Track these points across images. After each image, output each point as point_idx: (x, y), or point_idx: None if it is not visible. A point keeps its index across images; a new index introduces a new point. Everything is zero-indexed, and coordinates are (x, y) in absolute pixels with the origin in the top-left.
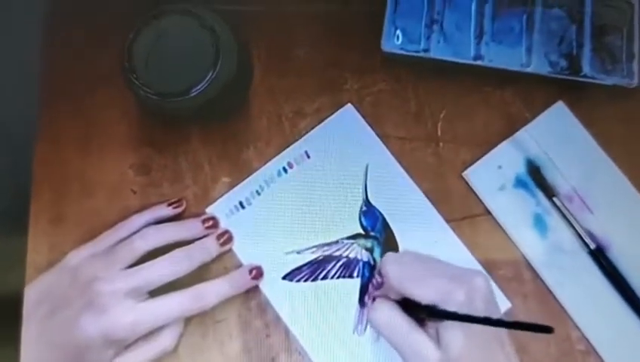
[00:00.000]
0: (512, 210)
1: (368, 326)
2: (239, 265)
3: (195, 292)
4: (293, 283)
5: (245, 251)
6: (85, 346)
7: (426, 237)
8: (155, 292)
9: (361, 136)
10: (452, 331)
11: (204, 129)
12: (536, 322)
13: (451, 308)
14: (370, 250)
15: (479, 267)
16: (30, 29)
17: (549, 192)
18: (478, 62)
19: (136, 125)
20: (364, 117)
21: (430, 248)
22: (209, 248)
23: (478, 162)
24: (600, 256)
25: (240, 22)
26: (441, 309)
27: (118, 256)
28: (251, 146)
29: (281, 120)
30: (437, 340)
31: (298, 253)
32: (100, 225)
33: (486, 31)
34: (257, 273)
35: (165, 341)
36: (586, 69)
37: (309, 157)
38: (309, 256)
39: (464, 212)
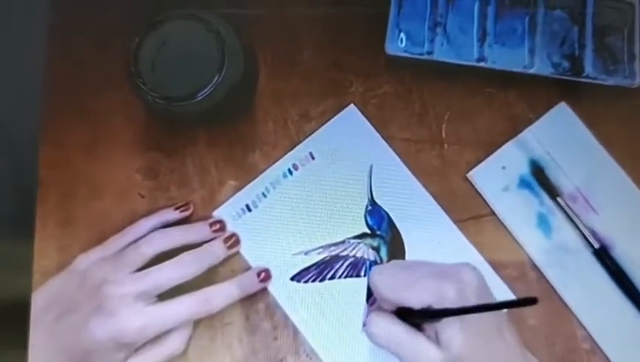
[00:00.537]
0: (517, 211)
1: None
2: (247, 268)
3: (203, 296)
4: (301, 284)
5: (253, 253)
6: (94, 350)
7: (432, 235)
8: (164, 296)
9: (365, 136)
10: (450, 329)
11: (211, 132)
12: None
13: (445, 306)
14: (377, 249)
15: (486, 265)
16: (35, 33)
17: (553, 193)
18: (482, 64)
19: (143, 129)
20: (368, 119)
21: (436, 247)
22: (216, 251)
23: (483, 163)
24: (604, 256)
25: (245, 26)
26: (433, 309)
27: (127, 259)
28: (257, 149)
29: (286, 123)
30: (437, 341)
31: (305, 253)
32: (107, 229)
33: (489, 33)
34: (265, 276)
35: (174, 344)
36: (588, 69)
37: (313, 158)
38: (316, 257)
39: (469, 212)
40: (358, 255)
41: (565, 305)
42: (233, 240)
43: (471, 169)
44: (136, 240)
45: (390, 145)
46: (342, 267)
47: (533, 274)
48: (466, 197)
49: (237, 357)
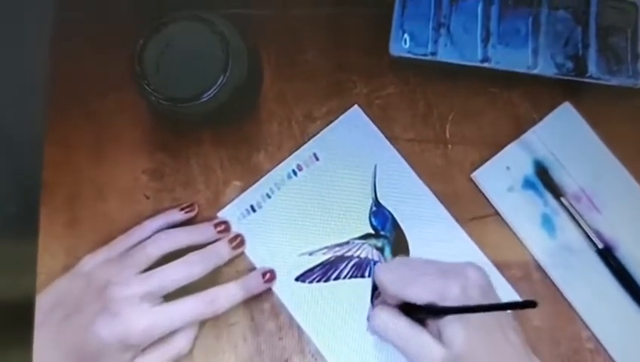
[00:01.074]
0: (521, 211)
1: None
2: (252, 268)
3: (208, 297)
4: (306, 285)
5: (257, 254)
6: (100, 351)
7: (436, 235)
8: (169, 297)
9: (369, 136)
10: (452, 327)
11: (216, 133)
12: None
13: (449, 303)
14: (381, 250)
15: (491, 266)
16: (40, 34)
17: (557, 193)
18: (485, 65)
19: (148, 130)
20: (372, 119)
21: (441, 246)
22: (221, 252)
23: (487, 163)
24: (608, 256)
25: (249, 26)
26: (436, 306)
27: (132, 260)
28: (262, 150)
29: (291, 124)
30: (439, 338)
31: (310, 254)
32: (113, 230)
33: (492, 33)
34: (270, 276)
35: (180, 343)
36: (592, 69)
37: (317, 159)
38: (320, 257)
39: (473, 213)
40: (363, 255)
41: (569, 305)
42: (238, 241)
43: (475, 169)
44: (141, 241)
45: (394, 146)
46: (346, 267)
47: (538, 275)
48: (470, 198)
49: (242, 357)
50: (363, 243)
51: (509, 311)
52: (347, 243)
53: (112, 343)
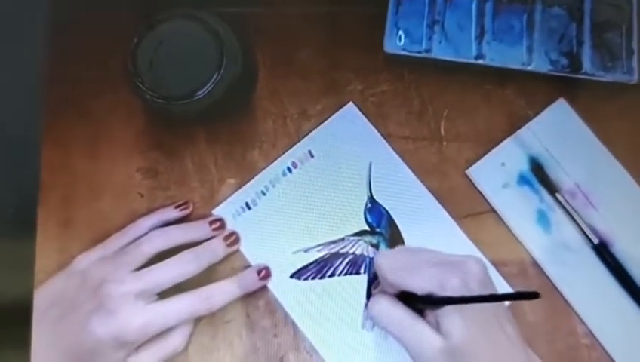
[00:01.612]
0: (516, 207)
1: None
2: (247, 266)
3: (203, 294)
4: (301, 282)
5: (252, 251)
6: (95, 349)
7: (431, 232)
8: (164, 294)
9: (364, 133)
10: (451, 318)
11: (210, 131)
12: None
13: (448, 294)
14: (376, 246)
15: (486, 262)
16: (35, 33)
17: (552, 189)
18: (480, 62)
19: (143, 128)
20: (367, 116)
21: (437, 243)
22: (216, 249)
23: (482, 160)
24: (604, 251)
25: (244, 24)
26: (436, 296)
27: (127, 258)
28: (257, 148)
29: (285, 121)
30: (438, 329)
31: (305, 251)
32: (108, 229)
33: (487, 30)
34: (266, 273)
35: (176, 341)
36: (587, 66)
37: (312, 156)
38: (315, 254)
39: (468, 209)
40: (358, 252)
41: (565, 301)
42: (233, 238)
43: (470, 166)
44: (136, 239)
45: (389, 143)
46: (341, 264)
47: (533, 271)
48: (465, 194)
49: (237, 354)
50: (358, 240)
51: (506, 304)
52: (342, 239)
53: (108, 341)
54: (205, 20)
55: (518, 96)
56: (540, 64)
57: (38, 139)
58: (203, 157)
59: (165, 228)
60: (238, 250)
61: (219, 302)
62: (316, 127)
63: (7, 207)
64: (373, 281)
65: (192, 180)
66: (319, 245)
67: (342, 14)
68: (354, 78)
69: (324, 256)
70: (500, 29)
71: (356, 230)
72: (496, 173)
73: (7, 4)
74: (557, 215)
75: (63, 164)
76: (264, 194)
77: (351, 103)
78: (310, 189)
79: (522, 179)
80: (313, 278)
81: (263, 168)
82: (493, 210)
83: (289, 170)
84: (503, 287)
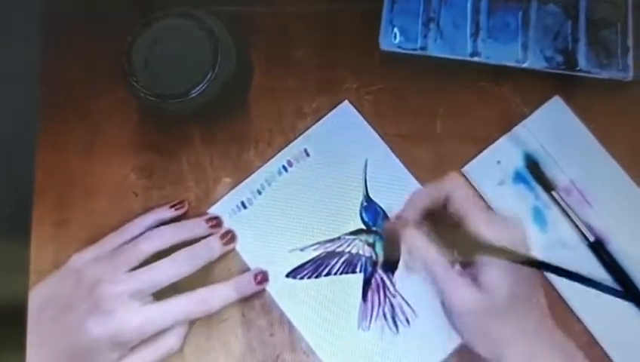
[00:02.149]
0: (512, 205)
1: (373, 323)
2: (243, 266)
3: (200, 296)
4: (297, 281)
5: (248, 250)
6: (91, 349)
7: None
8: (160, 295)
9: (360, 132)
10: (496, 275)
11: (205, 130)
12: None
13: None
14: (372, 245)
15: None
16: (29, 35)
17: (548, 186)
18: (475, 59)
19: (138, 128)
20: (362, 115)
21: None
22: (212, 247)
23: (477, 158)
24: (599, 249)
25: (238, 23)
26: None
27: (123, 258)
28: (252, 146)
29: (281, 120)
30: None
31: (301, 250)
32: (103, 229)
33: (482, 27)
34: (262, 278)
35: (171, 341)
36: (582, 63)
37: (308, 155)
38: (311, 253)
39: None
40: (354, 251)
41: (562, 298)
42: (229, 237)
43: (466, 164)
44: (131, 239)
45: (385, 141)
46: (337, 263)
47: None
48: None
49: (233, 354)
50: (354, 239)
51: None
52: (338, 238)
53: (104, 341)
54: (200, 19)
55: (514, 93)
56: (535, 61)
57: (33, 140)
58: (198, 156)
59: (161, 228)
60: (234, 249)
61: (215, 305)
62: (312, 126)
63: (3, 207)
64: (369, 282)
65: (187, 180)
66: (315, 244)
67: (337, 12)
68: (349, 76)
69: (320, 254)
70: (495, 26)
71: (352, 229)
72: (491, 170)
73: (1, 4)
74: (553, 213)
75: (58, 165)
76: (260, 193)
77: (346, 102)
78: (306, 188)
79: (518, 177)
80: (309, 277)
81: (259, 167)
82: (489, 208)
83: (285, 168)
84: None
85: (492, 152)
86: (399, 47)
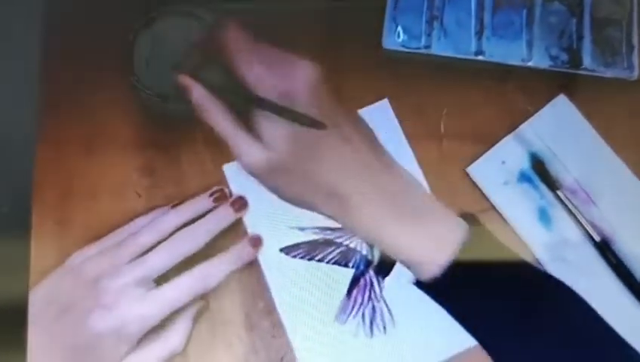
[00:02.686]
0: (517, 205)
1: (350, 319)
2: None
3: (199, 273)
4: (289, 258)
5: (250, 217)
6: (96, 346)
7: None
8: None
9: (389, 131)
10: (273, 129)
11: (208, 129)
12: None
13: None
14: (371, 246)
15: None
16: (30, 31)
17: (553, 186)
18: (480, 58)
19: (139, 127)
20: None
21: None
22: (222, 218)
23: (482, 157)
24: (605, 248)
25: (240, 21)
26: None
27: (122, 252)
28: None
29: None
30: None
31: (301, 229)
32: (105, 228)
33: (486, 26)
34: (257, 242)
35: (174, 341)
36: (587, 62)
37: None
38: (310, 236)
39: (469, 207)
40: (352, 245)
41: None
42: (241, 203)
43: (470, 163)
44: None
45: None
46: (332, 252)
47: None
48: (465, 192)
49: (237, 356)
50: (355, 235)
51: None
52: (340, 229)
53: (109, 335)
54: (201, 17)
55: (518, 92)
56: (540, 60)
57: (32, 137)
58: (200, 155)
59: (161, 217)
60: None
61: (216, 278)
62: None
63: (0, 206)
64: (358, 279)
65: (189, 179)
66: (316, 228)
67: (340, 10)
68: (352, 75)
69: (318, 239)
70: (500, 24)
71: None
72: (496, 170)
73: (3, 1)
74: (558, 212)
75: (58, 163)
76: None
77: (386, 100)
78: None
79: (523, 177)
80: (302, 258)
81: None
82: (494, 208)
83: None
84: None
85: (496, 152)
86: (403, 45)
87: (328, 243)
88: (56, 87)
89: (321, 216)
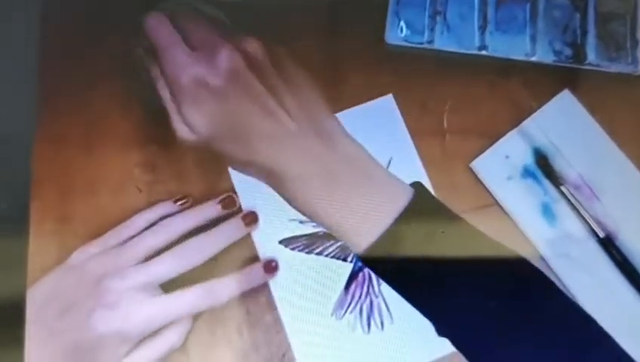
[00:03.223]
0: (521, 200)
1: (347, 314)
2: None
3: (207, 289)
4: (287, 250)
5: (248, 199)
6: (97, 345)
7: None
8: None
9: (391, 127)
10: (191, 112)
11: None
12: None
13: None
14: None
15: None
16: (29, 26)
17: (557, 181)
18: (483, 52)
19: (140, 122)
20: None
21: None
22: (232, 232)
23: (485, 153)
24: (609, 244)
25: (243, 16)
26: None
27: (128, 254)
28: None
29: None
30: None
31: (301, 222)
32: (106, 224)
33: (490, 20)
34: (274, 266)
35: (173, 338)
36: (591, 56)
37: None
38: (310, 229)
39: (472, 203)
40: None
41: (570, 294)
42: (252, 218)
43: (474, 159)
44: (134, 235)
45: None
46: (332, 246)
47: (538, 264)
48: (469, 188)
49: (238, 352)
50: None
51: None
52: None
53: (110, 336)
54: (201, 9)
55: (522, 87)
56: (543, 55)
57: (31, 134)
58: (202, 150)
59: (167, 220)
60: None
61: (222, 298)
62: None
63: None
64: (357, 274)
65: (191, 174)
66: None
67: (342, 4)
68: (354, 70)
69: (317, 232)
70: (503, 19)
71: None
72: (500, 165)
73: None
74: (562, 207)
75: (58, 159)
76: None
77: (390, 95)
78: None
79: (526, 172)
80: (301, 250)
81: None
82: (498, 203)
83: None
84: None
85: (500, 147)
86: (406, 40)
87: (328, 236)
88: (54, 83)
89: None
